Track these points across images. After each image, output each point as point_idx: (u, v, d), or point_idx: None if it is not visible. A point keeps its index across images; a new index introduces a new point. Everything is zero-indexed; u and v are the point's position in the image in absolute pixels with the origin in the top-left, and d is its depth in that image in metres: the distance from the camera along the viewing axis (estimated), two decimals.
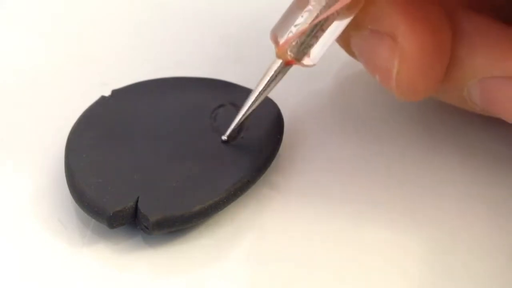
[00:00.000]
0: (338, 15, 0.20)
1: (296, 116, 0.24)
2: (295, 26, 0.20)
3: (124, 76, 0.25)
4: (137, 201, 0.20)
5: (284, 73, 0.21)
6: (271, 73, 0.21)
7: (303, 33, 0.20)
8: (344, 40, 0.23)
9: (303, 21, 0.20)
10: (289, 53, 0.21)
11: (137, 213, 0.20)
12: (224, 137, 0.22)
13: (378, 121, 0.25)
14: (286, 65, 0.21)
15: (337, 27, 0.21)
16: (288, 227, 0.21)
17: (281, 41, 0.21)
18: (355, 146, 0.24)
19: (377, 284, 0.20)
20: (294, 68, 0.21)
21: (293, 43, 0.20)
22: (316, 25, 0.20)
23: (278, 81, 0.21)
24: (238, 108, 0.23)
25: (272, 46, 0.21)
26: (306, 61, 0.21)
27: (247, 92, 0.24)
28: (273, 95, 0.24)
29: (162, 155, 0.22)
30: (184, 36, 0.29)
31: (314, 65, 0.21)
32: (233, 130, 0.22)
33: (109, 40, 0.29)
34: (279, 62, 0.21)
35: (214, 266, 0.20)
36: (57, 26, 0.30)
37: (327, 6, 0.20)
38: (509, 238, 0.21)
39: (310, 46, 0.21)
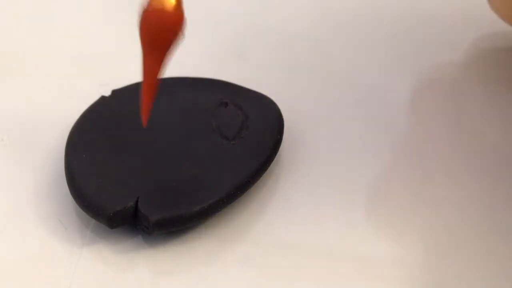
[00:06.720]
0: None
1: (296, 116, 0.24)
2: None
3: (124, 76, 0.25)
4: (137, 201, 0.20)
5: None
6: None
7: None
8: None
9: None
10: None
11: (137, 213, 0.20)
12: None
13: (379, 122, 0.25)
14: None
15: None
16: (288, 227, 0.21)
17: None
18: (356, 146, 0.24)
19: (380, 281, 0.20)
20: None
21: None
22: None
23: None
24: (238, 107, 0.23)
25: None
26: None
27: (247, 92, 0.24)
28: (273, 95, 0.24)
29: (162, 155, 0.22)
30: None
31: None
32: (233, 130, 0.22)
33: (109, 40, 0.29)
34: None
35: (214, 266, 0.20)
36: (57, 26, 0.30)
37: None
38: None
39: None
